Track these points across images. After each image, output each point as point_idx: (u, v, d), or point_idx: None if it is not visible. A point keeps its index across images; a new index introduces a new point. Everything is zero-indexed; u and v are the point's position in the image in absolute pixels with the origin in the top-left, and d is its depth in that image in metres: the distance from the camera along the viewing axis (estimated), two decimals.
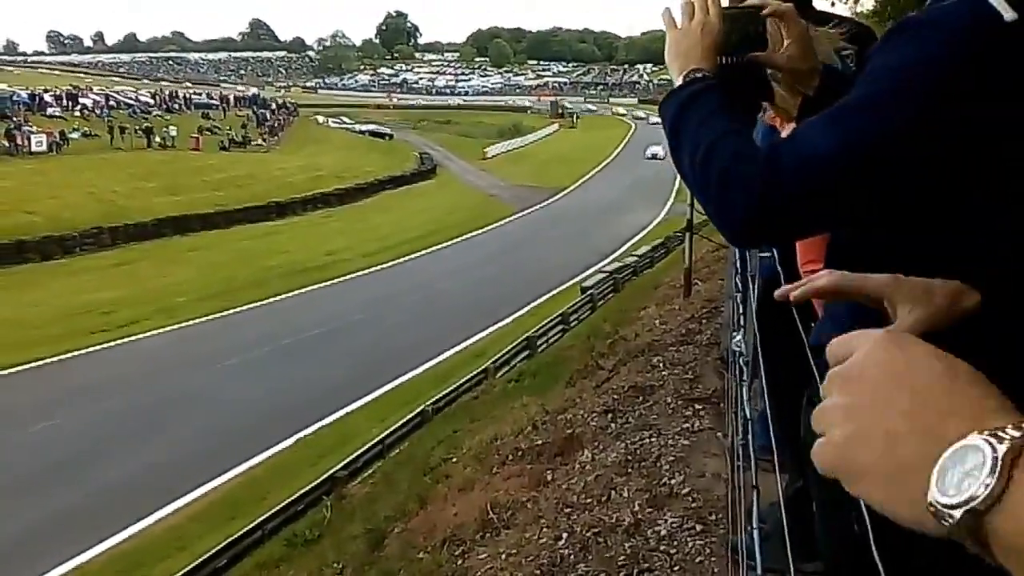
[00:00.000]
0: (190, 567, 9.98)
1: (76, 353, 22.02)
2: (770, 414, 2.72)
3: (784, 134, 2.01)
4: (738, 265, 4.80)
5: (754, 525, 2.81)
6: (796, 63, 1.73)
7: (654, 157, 68.40)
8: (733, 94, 1.65)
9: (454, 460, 8.38)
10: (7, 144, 44.41)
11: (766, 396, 2.86)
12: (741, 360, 3.86)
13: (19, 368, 20.55)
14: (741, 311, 4.33)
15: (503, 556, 5.38)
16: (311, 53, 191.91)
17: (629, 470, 5.68)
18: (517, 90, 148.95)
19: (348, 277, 32.33)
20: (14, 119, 48.75)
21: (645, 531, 4.90)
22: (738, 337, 4.13)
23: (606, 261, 32.19)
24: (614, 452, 6.08)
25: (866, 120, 1.29)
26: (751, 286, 3.70)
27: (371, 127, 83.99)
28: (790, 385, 2.29)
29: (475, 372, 17.78)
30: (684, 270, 13.40)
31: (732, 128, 1.53)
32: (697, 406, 6.45)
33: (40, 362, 21.10)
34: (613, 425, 6.73)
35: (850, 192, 1.33)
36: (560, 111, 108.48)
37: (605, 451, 6.20)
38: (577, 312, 22.57)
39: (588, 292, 24.38)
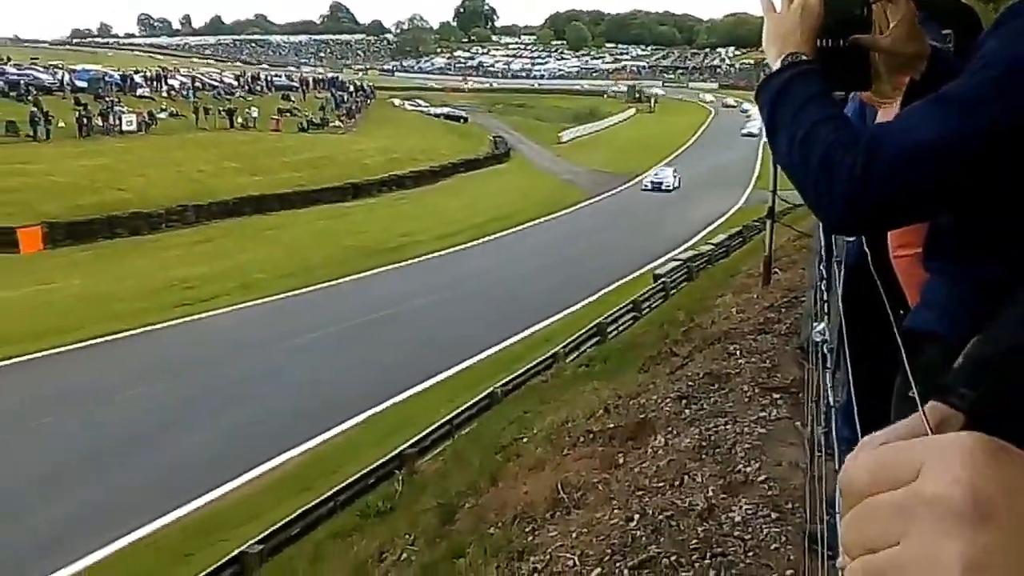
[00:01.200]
0: (265, 533, 10.24)
1: (161, 325, 22.67)
2: (854, 404, 2.69)
3: (880, 117, 1.98)
4: (823, 252, 4.73)
5: (835, 515, 2.78)
6: (900, 47, 1.69)
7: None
8: (833, 79, 1.63)
9: (525, 440, 8.44)
10: (101, 123, 45.78)
11: (850, 386, 2.83)
12: (824, 347, 3.81)
13: (109, 338, 21.24)
14: (824, 299, 4.27)
15: (573, 534, 5.41)
16: (389, 36, 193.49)
17: (703, 456, 5.66)
18: (594, 74, 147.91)
19: (420, 259, 32.64)
20: (107, 99, 50.20)
21: (719, 516, 4.89)
22: (820, 327, 4.09)
23: (680, 249, 31.86)
24: (688, 438, 6.07)
25: (974, 110, 1.27)
26: (836, 273, 3.65)
27: (446, 110, 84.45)
28: (875, 375, 2.27)
29: (544, 357, 17.80)
30: (764, 258, 13.19)
31: (832, 113, 1.51)
32: (775, 395, 6.39)
33: (128, 333, 21.77)
34: (687, 411, 6.71)
35: (953, 181, 1.31)
36: (637, 95, 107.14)
37: (678, 436, 6.18)
38: (649, 300, 22.42)
39: (661, 280, 24.19)
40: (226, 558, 9.82)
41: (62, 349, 20.21)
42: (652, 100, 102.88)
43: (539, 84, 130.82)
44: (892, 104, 1.83)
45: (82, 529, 11.81)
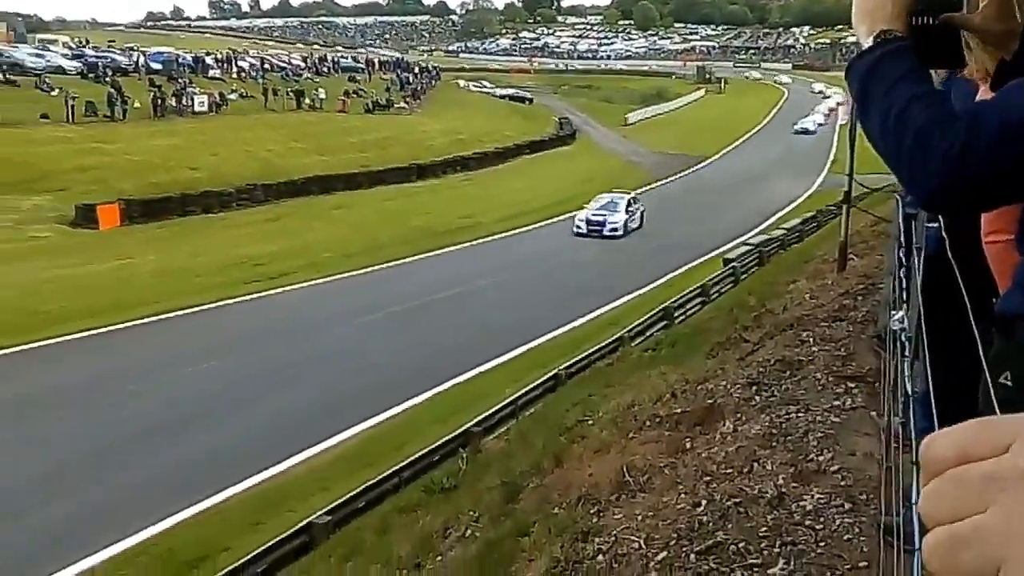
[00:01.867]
0: (333, 505, 10.42)
1: (232, 301, 23.15)
2: (932, 394, 2.63)
3: (979, 97, 1.94)
4: (901, 239, 4.63)
5: (912, 507, 2.74)
6: (992, 25, 1.65)
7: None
8: (924, 56, 1.60)
9: (590, 423, 8.44)
10: (174, 104, 46.74)
11: (928, 376, 2.78)
12: (903, 336, 3.74)
13: (183, 313, 21.76)
14: (903, 287, 4.19)
15: (639, 517, 5.41)
16: (454, 17, 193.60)
17: (773, 443, 5.60)
18: (662, 54, 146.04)
19: (484, 240, 32.74)
20: (180, 81, 51.21)
21: (789, 505, 4.84)
22: (899, 315, 4.01)
23: (751, 233, 31.39)
24: (758, 424, 6.01)
25: None
26: (916, 260, 3.58)
27: (511, 91, 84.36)
28: (954, 365, 2.22)
29: (609, 340, 17.76)
30: (839, 244, 12.92)
31: (926, 91, 1.49)
32: (850, 384, 6.29)
33: (201, 308, 22.28)
34: (757, 398, 6.64)
35: None
36: (707, 76, 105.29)
37: (748, 423, 6.13)
38: (718, 284, 22.19)
39: (731, 264, 23.87)
40: (294, 528, 10.02)
41: (140, 322, 20.79)
42: (722, 81, 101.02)
43: (606, 65, 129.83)
44: (985, 83, 1.79)
45: (156, 495, 12.15)
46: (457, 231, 33.69)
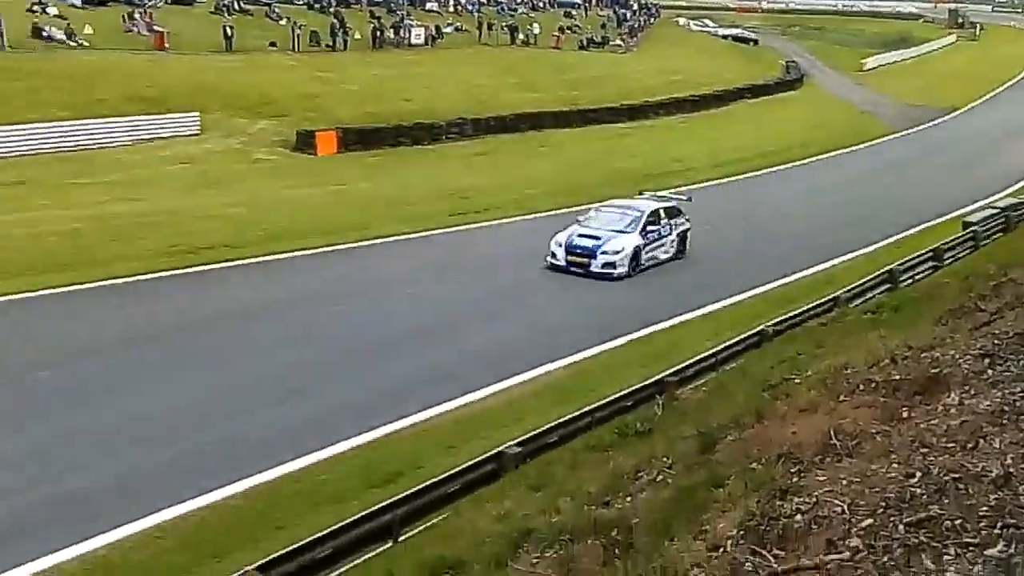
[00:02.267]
0: (525, 437, 10.59)
1: (438, 231, 23.85)
2: None
3: None
4: None
5: None
6: None
7: None
8: None
9: (796, 381, 8.10)
10: (392, 36, 48.12)
11: None
12: None
13: (391, 239, 22.66)
14: None
15: (843, 482, 5.14)
16: None
17: (1004, 421, 5.15)
18: None
19: (695, 186, 31.94)
20: (398, 13, 52.58)
21: (1016, 487, 4.44)
22: None
23: (998, 195, 28.88)
24: (988, 399, 5.54)
25: None
26: None
27: (735, 31, 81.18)
28: None
29: (823, 299, 16.98)
30: None
31: None
32: None
33: (408, 236, 23.07)
34: (990, 371, 6.12)
35: None
36: (959, 21, 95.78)
37: (976, 397, 5.66)
38: (954, 249, 20.69)
39: (971, 228, 22.07)
40: (485, 455, 10.27)
41: (351, 245, 21.75)
42: (977, 27, 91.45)
43: (842, 6, 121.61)
44: None
45: (357, 410, 12.75)
46: (666, 175, 32.99)
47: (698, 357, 13.76)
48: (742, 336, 14.97)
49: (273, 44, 42.30)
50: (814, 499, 4.93)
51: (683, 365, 13.29)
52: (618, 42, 63.54)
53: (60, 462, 10.85)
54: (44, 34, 35.33)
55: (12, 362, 13.45)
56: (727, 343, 14.62)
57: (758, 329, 15.14)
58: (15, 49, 33.16)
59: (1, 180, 25.07)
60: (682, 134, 43.26)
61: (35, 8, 37.42)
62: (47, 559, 8.91)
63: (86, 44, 36.37)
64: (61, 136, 28.84)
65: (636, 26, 71.35)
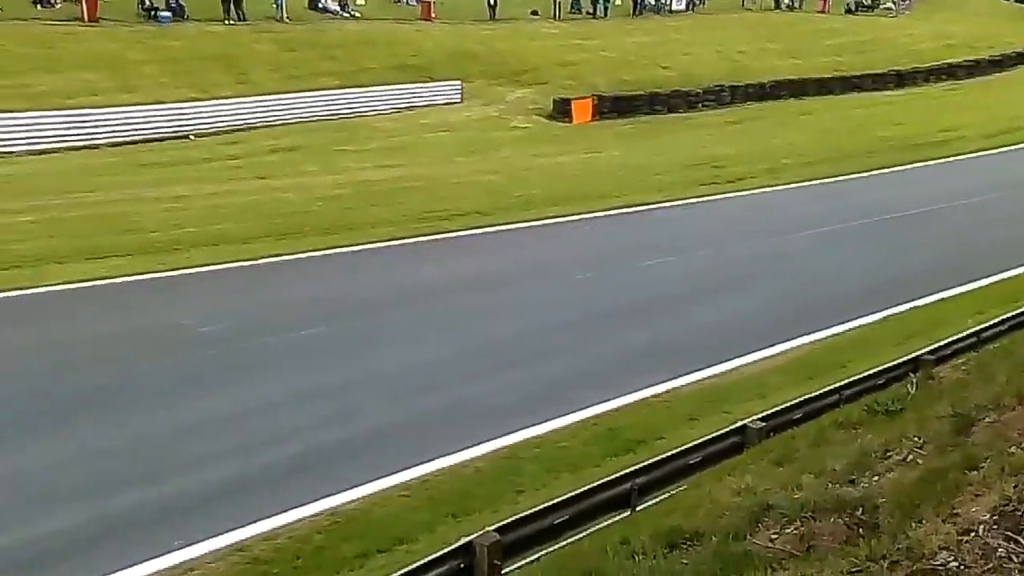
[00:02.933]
0: (769, 412, 10.43)
1: (691, 201, 23.71)
2: None
3: None
4: None
5: None
6: None
7: None
8: None
9: None
10: (653, 2, 47.70)
11: None
12: None
13: (641, 208, 22.66)
14: None
15: None
16: None
17: None
18: None
19: (964, 157, 29.78)
20: None
21: None
22: None
23: None
24: None
25: None
26: None
27: None
28: None
29: None
30: None
31: None
32: None
33: (658, 205, 23.07)
34: None
35: None
36: None
37: None
38: None
39: None
40: (728, 428, 10.21)
41: (603, 213, 22.01)
42: None
43: None
44: None
45: (601, 378, 12.99)
46: (934, 145, 31.01)
47: (959, 335, 12.97)
48: (1010, 314, 13.94)
49: (535, 12, 43.15)
50: None
51: (942, 343, 12.57)
52: (889, 5, 59.75)
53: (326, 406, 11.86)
54: (320, 6, 37.77)
55: (271, 323, 14.49)
56: (992, 321, 13.70)
57: None
58: (293, 21, 35.70)
59: (276, 146, 27.41)
60: (953, 102, 40.34)
61: None
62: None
63: (358, 15, 38.57)
64: (330, 104, 31.07)
65: None
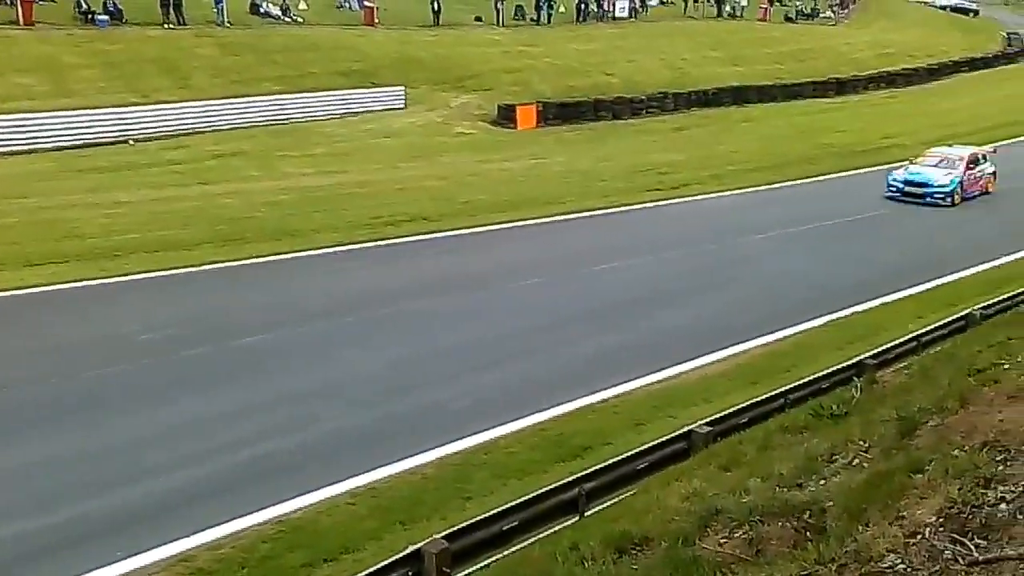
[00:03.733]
0: (714, 417, 10.51)
1: (635, 207, 23.84)
2: None
3: None
4: None
5: None
6: None
7: None
8: None
9: (1006, 367, 7.64)
10: (596, 9, 47.95)
11: None
12: None
13: (586, 214, 22.83)
14: None
15: None
16: None
17: None
18: None
19: (904, 163, 30.38)
20: None
21: None
22: None
23: None
24: None
25: None
26: None
27: (954, 2, 75.83)
28: None
29: None
30: None
31: None
32: None
33: (603, 211, 23.20)
34: None
35: None
36: None
37: None
38: None
39: None
40: (675, 433, 10.26)
41: (548, 220, 22.06)
42: None
43: None
44: None
45: (551, 385, 13.00)
46: (874, 152, 31.61)
47: (900, 339, 13.24)
48: (949, 319, 14.31)
49: (479, 19, 43.09)
50: (1021, 488, 4.71)
51: (884, 347, 12.82)
52: (828, 14, 60.87)
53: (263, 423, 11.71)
54: (261, 11, 37.30)
55: (213, 330, 14.31)
56: (933, 325, 14.04)
57: (966, 312, 14.39)
58: (233, 25, 35.21)
59: (218, 151, 27.00)
60: (892, 109, 41.19)
61: None
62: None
63: (300, 20, 38.16)
64: (273, 110, 30.62)
65: None
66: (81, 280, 16.28)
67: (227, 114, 29.45)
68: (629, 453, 9.81)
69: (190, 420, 11.34)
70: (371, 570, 7.44)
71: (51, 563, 8.48)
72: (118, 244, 18.22)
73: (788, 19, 57.24)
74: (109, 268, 16.95)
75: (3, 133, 25.23)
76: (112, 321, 14.52)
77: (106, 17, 32.27)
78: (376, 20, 39.38)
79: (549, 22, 45.18)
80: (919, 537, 4.67)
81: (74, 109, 27.10)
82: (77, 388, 12.13)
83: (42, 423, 11.10)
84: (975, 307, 14.75)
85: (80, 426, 11.12)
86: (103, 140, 26.72)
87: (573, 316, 15.69)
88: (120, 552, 8.60)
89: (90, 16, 32.16)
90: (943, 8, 73.17)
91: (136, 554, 8.61)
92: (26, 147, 25.36)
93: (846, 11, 63.43)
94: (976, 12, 72.63)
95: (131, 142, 27.07)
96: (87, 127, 26.76)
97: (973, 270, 19.33)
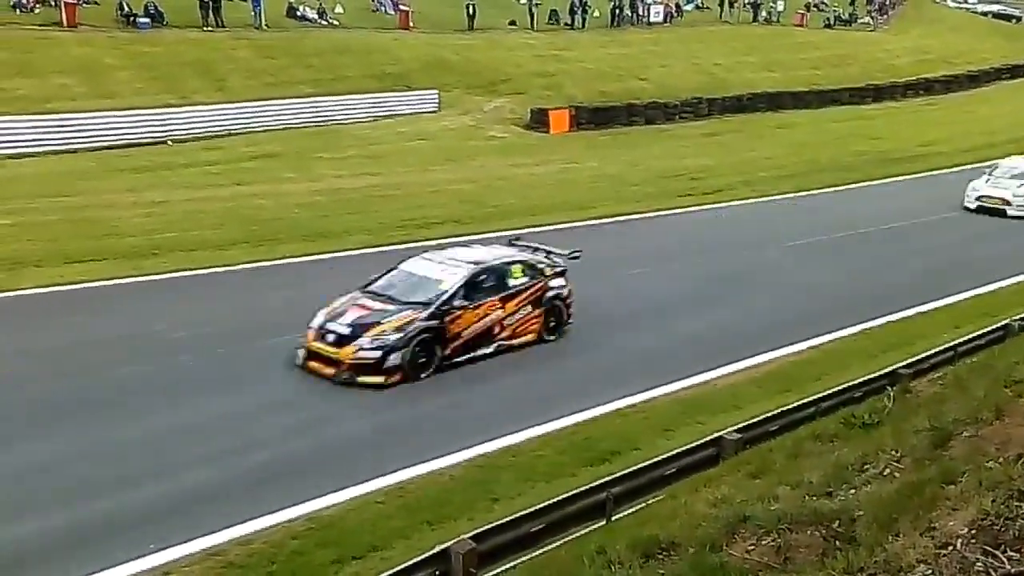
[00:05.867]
0: (745, 424, 10.45)
1: (665, 212, 23.75)
2: None
3: None
4: None
5: None
6: None
7: None
8: None
9: None
10: (631, 14, 47.90)
11: None
12: None
13: (618, 219, 22.78)
14: None
15: None
16: None
17: None
18: None
19: (941, 172, 30.09)
20: None
21: None
22: None
23: None
24: None
25: None
26: None
27: (997, 7, 74.88)
28: None
29: None
30: None
31: None
32: None
33: (635, 216, 23.21)
34: None
35: None
36: None
37: None
38: None
39: None
40: (704, 439, 10.20)
41: (579, 224, 21.94)
42: None
43: None
44: None
45: (577, 389, 13.01)
46: (911, 159, 31.30)
47: (936, 349, 13.10)
48: (986, 329, 14.10)
49: (513, 23, 43.15)
50: None
51: (919, 357, 12.68)
52: (867, 19, 60.28)
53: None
54: (298, 14, 37.67)
55: (245, 329, 14.45)
56: (969, 336, 13.85)
57: (1004, 323, 14.17)
58: (271, 28, 35.58)
59: (254, 153, 27.28)
60: (930, 116, 40.81)
61: None
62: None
63: (336, 23, 38.45)
64: (307, 112, 30.98)
65: (887, 3, 67.22)
66: (119, 278, 16.51)
67: (262, 116, 29.81)
68: (657, 458, 9.77)
69: (214, 417, 11.46)
70: (398, 568, 7.48)
71: (85, 552, 8.59)
72: (155, 243, 18.47)
73: (827, 25, 56.80)
74: (145, 266, 17.17)
75: (45, 133, 25.77)
76: (147, 319, 14.65)
77: (147, 20, 32.79)
78: (411, 23, 39.60)
79: (583, 26, 45.17)
80: (950, 548, 4.63)
81: (114, 110, 27.54)
82: (108, 383, 12.29)
83: (65, 418, 11.27)
84: (1014, 318, 14.52)
85: (109, 420, 11.27)
86: (142, 141, 27.17)
87: (602, 319, 15.58)
88: (153, 544, 8.70)
89: (132, 18, 32.68)
90: (985, 14, 72.27)
91: (168, 547, 8.71)
92: (67, 147, 25.88)
93: (885, 16, 62.81)
94: (1019, 19, 71.67)
95: (169, 143, 27.45)
96: (126, 128, 27.25)
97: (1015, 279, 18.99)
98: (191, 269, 17.14)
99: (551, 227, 21.26)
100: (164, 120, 27.99)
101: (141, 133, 27.32)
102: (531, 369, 13.67)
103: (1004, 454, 5.64)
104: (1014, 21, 70.57)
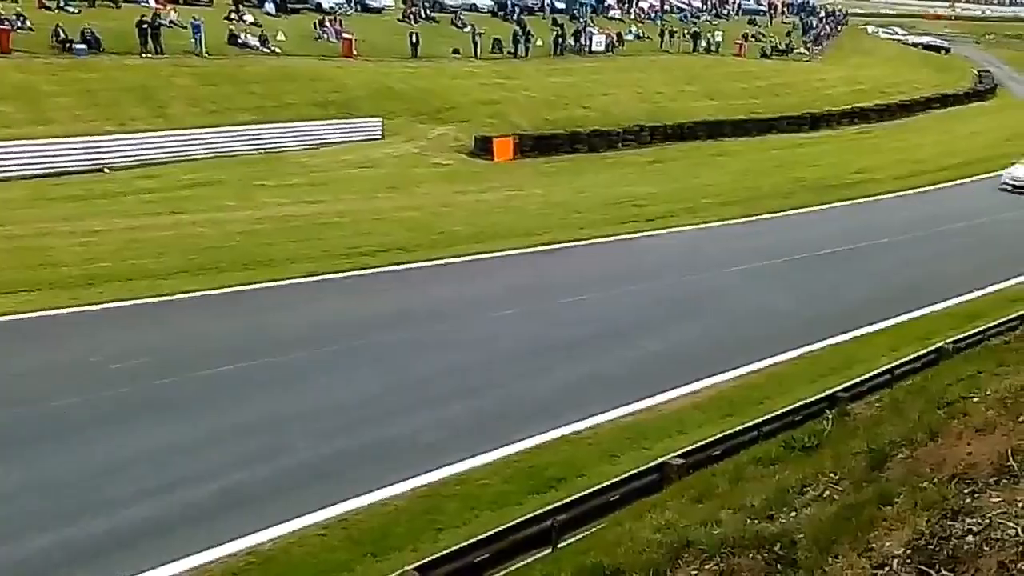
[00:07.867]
0: (688, 449, 10.54)
1: (610, 239, 23.87)
2: None
3: None
4: None
5: None
6: None
7: None
8: None
9: (975, 400, 7.72)
10: (573, 43, 48.43)
11: None
12: None
13: (565, 245, 22.84)
14: None
15: (1020, 504, 4.94)
16: None
17: None
18: None
19: (875, 198, 30.78)
20: (581, 20, 52.79)
21: None
22: None
23: None
24: None
25: None
26: None
27: (926, 39, 77.37)
28: None
29: (1010, 318, 16.10)
30: None
31: None
32: None
33: (580, 243, 23.28)
34: None
35: None
36: None
37: None
38: None
39: None
40: (648, 464, 10.27)
41: (525, 251, 22.01)
42: None
43: None
44: None
45: (522, 416, 12.98)
46: (847, 186, 31.96)
47: (873, 372, 13.35)
48: (921, 352, 14.45)
49: (456, 51, 43.31)
50: (987, 521, 4.75)
51: (856, 380, 12.93)
52: (802, 50, 61.73)
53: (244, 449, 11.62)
54: (239, 41, 37.23)
55: (185, 359, 14.19)
56: (905, 359, 14.18)
57: (938, 346, 14.53)
58: (212, 56, 35.22)
59: (194, 180, 26.85)
60: (865, 144, 41.70)
61: (232, 16, 39.45)
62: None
63: (278, 51, 38.09)
64: (249, 139, 30.54)
65: (822, 34, 68.97)
66: (55, 308, 16.09)
67: (203, 143, 29.34)
68: (602, 485, 9.80)
69: (156, 450, 11.23)
70: None
71: None
72: (91, 272, 18.04)
73: (763, 55, 58.00)
74: (82, 296, 16.78)
75: None
76: (83, 349, 14.35)
77: (84, 46, 32.16)
78: (354, 52, 39.49)
79: (527, 55, 45.50)
80: (887, 569, 4.70)
81: (49, 137, 26.94)
82: (43, 414, 11.99)
83: (4, 447, 11.00)
84: (947, 340, 14.88)
85: (44, 452, 11.00)
86: (78, 168, 26.51)
87: (547, 347, 15.67)
88: None
89: (68, 45, 32.05)
90: (915, 45, 74.55)
91: None
92: (0, 174, 25.17)
93: (820, 47, 64.38)
94: (947, 50, 74.05)
95: (106, 170, 26.92)
96: (62, 155, 26.55)
97: (949, 303, 19.48)
98: (129, 299, 16.78)
99: (498, 254, 21.35)
100: (102, 148, 27.35)
101: (77, 161, 26.67)
102: (476, 396, 13.62)
103: (938, 475, 5.75)
104: (943, 52, 72.87)
